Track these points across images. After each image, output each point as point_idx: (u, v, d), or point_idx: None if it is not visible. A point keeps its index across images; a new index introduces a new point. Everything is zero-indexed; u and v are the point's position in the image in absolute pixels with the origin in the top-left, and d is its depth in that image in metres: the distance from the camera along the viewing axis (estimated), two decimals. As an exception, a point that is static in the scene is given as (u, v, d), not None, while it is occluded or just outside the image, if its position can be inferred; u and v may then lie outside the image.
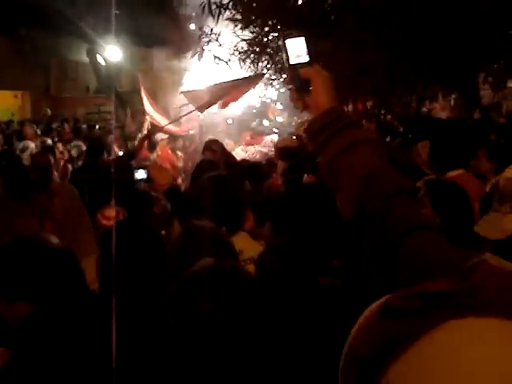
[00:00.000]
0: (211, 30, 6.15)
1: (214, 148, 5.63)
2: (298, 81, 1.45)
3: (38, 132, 13.25)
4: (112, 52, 19.71)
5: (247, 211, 3.59)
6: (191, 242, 2.39)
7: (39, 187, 5.20)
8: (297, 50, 1.45)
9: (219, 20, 5.99)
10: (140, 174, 4.29)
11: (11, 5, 17.86)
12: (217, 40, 6.18)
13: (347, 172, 1.38)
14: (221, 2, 5.89)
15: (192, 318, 1.55)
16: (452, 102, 10.48)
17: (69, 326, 1.79)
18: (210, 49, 6.05)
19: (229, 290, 1.59)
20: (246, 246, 3.13)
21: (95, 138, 8.68)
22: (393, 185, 1.34)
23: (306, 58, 1.45)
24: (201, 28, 6.21)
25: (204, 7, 5.89)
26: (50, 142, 11.93)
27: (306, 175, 4.45)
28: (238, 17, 5.93)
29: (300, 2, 5.79)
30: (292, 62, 1.45)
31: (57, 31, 20.45)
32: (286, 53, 1.45)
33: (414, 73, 5.79)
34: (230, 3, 5.81)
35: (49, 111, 19.14)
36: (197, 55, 6.28)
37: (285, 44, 1.45)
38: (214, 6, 5.87)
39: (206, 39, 6.16)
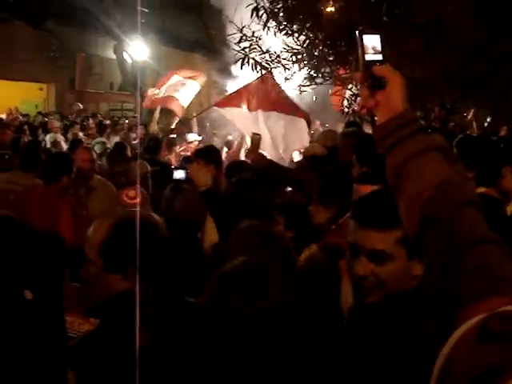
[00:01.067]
0: (253, 33, 6.04)
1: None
2: (372, 78, 1.42)
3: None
4: (138, 50, 19.78)
5: (276, 214, 3.57)
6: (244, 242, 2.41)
7: (80, 181, 5.30)
8: (372, 47, 1.44)
9: (261, 25, 5.90)
10: (179, 174, 4.28)
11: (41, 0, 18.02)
12: (257, 44, 6.06)
13: (416, 178, 1.35)
14: (270, 7, 5.79)
15: (222, 314, 1.53)
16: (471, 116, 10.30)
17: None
18: (251, 54, 5.90)
19: (258, 287, 1.55)
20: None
21: (153, 136, 8.83)
22: (463, 195, 1.32)
23: (380, 57, 1.43)
24: (241, 30, 6.08)
25: (252, 11, 5.80)
26: (81, 135, 11.96)
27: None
28: (283, 23, 5.85)
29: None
30: (368, 58, 1.43)
31: (84, 26, 20.58)
32: (362, 49, 1.44)
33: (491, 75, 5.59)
34: (281, 9, 5.71)
35: (80, 106, 19.16)
36: (236, 60, 6.14)
37: (362, 39, 1.44)
38: (261, 11, 5.78)
39: (247, 43, 6.03)
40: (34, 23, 19.83)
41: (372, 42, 1.44)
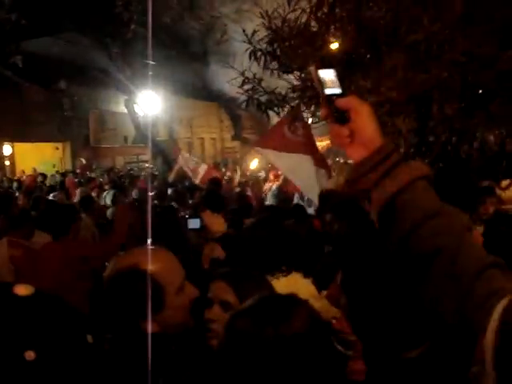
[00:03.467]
0: (254, 75, 6.12)
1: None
2: (336, 112, 1.37)
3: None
4: (149, 102, 20.05)
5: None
6: None
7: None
8: (330, 80, 1.38)
9: (261, 65, 5.98)
10: (193, 224, 4.12)
11: (49, 60, 18.42)
12: (259, 84, 6.13)
13: (408, 210, 1.30)
14: (266, 49, 5.87)
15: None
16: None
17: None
18: (255, 95, 5.98)
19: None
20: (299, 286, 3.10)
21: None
22: (461, 221, 1.29)
23: (339, 90, 1.38)
24: (243, 73, 6.17)
25: (250, 55, 5.88)
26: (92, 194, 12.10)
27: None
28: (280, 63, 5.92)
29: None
30: (327, 92, 1.38)
31: (95, 84, 20.98)
32: (320, 83, 1.39)
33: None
34: (278, 50, 5.78)
35: (83, 161, 19.50)
36: (243, 102, 6.21)
37: (317, 74, 1.39)
38: (259, 53, 5.86)
39: (249, 86, 6.11)
40: (46, 85, 20.23)
41: (328, 76, 1.39)
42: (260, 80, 6.15)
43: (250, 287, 2.06)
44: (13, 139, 21.37)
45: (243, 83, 6.14)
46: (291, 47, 5.79)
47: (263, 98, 6.14)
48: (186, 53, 21.93)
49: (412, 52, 5.22)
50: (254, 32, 6.02)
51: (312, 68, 1.42)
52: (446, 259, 1.23)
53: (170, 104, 22.13)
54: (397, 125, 5.88)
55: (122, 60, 20.09)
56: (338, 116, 1.37)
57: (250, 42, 5.97)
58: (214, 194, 6.42)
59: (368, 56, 5.49)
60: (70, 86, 21.35)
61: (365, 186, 1.37)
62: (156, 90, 19.36)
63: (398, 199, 1.32)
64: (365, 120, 1.36)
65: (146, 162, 23.11)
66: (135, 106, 21.59)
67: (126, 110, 22.64)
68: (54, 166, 21.50)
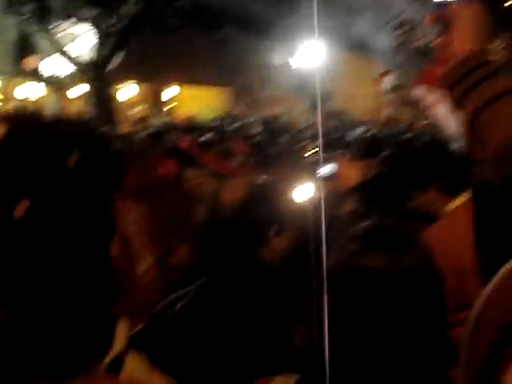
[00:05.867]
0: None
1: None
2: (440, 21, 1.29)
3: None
4: (312, 54, 19.92)
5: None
6: None
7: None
8: None
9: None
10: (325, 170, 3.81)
11: (216, 5, 18.83)
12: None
13: (498, 124, 1.17)
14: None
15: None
16: None
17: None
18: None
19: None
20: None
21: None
22: None
23: None
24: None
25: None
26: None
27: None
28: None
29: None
30: None
31: (258, 32, 21.18)
32: None
33: None
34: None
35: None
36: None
37: None
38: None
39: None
40: (211, 30, 20.78)
41: None
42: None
43: None
44: (180, 82, 22.38)
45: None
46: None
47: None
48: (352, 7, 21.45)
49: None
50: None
51: None
52: None
53: (336, 58, 21.88)
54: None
55: (287, 8, 20.06)
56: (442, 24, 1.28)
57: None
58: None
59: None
60: (235, 33, 21.74)
61: (457, 94, 1.27)
62: (320, 41, 19.15)
63: (490, 110, 1.20)
64: (465, 26, 1.25)
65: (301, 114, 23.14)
66: (298, 57, 21.59)
67: (287, 61, 22.72)
68: (212, 111, 22.20)
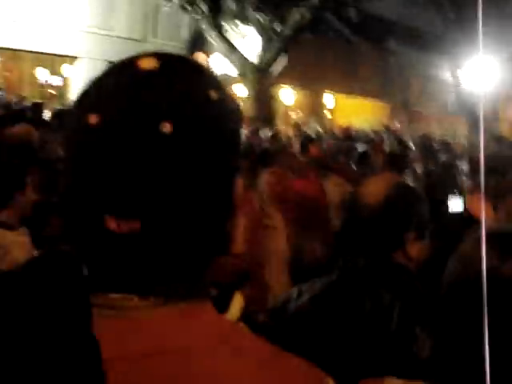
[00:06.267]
0: None
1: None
2: None
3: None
4: (476, 71, 19.23)
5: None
6: None
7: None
8: None
9: None
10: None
11: (382, 18, 18.76)
12: None
13: None
14: None
15: None
16: None
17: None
18: None
19: None
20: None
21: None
22: None
23: None
24: None
25: None
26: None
27: None
28: None
29: None
30: None
31: (422, 47, 20.81)
32: None
33: None
34: None
35: (397, 124, 19.52)
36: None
37: None
38: None
39: None
40: (376, 42, 20.74)
41: None
42: None
43: None
44: (338, 91, 22.51)
45: None
46: None
47: None
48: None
49: None
50: None
51: None
52: None
53: (502, 75, 20.92)
54: None
55: (455, 24, 19.52)
56: None
57: None
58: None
59: None
60: (399, 47, 21.53)
61: None
62: (486, 58, 18.46)
63: None
64: None
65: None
66: (460, 73, 20.92)
67: (448, 77, 22.08)
68: (368, 123, 22.05)
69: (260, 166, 5.33)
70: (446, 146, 14.28)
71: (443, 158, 10.47)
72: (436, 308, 1.48)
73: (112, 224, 0.72)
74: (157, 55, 0.77)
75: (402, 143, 13.37)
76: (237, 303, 1.06)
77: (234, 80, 16.52)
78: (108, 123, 0.72)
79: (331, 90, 22.34)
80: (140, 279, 0.74)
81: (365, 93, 22.38)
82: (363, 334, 1.73)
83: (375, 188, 1.87)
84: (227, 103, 0.79)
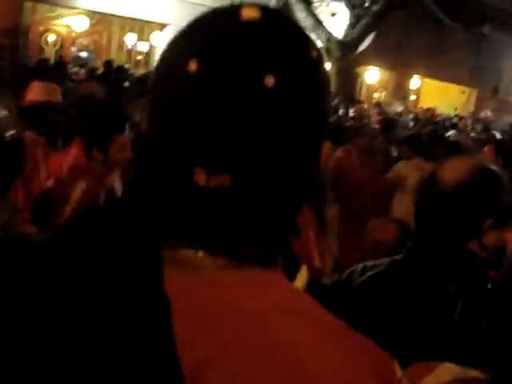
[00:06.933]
0: None
1: None
2: None
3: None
4: None
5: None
6: None
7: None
8: None
9: None
10: None
11: (476, 2, 18.09)
12: None
13: None
14: None
15: None
16: None
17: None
18: None
19: None
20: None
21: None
22: None
23: None
24: None
25: None
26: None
27: None
28: None
29: None
30: None
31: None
32: None
33: None
34: None
35: (487, 113, 18.90)
36: None
37: None
38: None
39: None
40: (468, 26, 20.03)
41: None
42: None
43: None
44: (423, 74, 21.96)
45: None
46: None
47: None
48: None
49: None
50: None
51: None
52: None
53: None
54: None
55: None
56: None
57: None
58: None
59: None
60: (492, 32, 20.73)
61: None
62: None
63: None
64: None
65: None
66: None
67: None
68: (455, 110, 21.44)
69: (333, 143, 5.30)
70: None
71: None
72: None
73: (201, 177, 0.69)
74: (258, 6, 0.74)
75: (488, 131, 13.02)
76: (303, 275, 1.04)
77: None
78: (208, 71, 0.69)
79: (417, 72, 21.81)
80: (223, 238, 0.72)
81: (452, 78, 21.74)
82: (422, 318, 1.67)
83: (457, 169, 1.75)
84: (323, 65, 0.77)
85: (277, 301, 0.71)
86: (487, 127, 14.48)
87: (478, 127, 14.73)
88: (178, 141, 0.70)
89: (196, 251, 0.71)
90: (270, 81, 0.68)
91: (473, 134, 11.46)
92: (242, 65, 0.68)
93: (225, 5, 0.75)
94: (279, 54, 0.70)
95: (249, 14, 0.72)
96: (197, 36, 0.73)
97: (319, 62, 0.75)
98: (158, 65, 0.77)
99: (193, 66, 0.69)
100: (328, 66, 16.14)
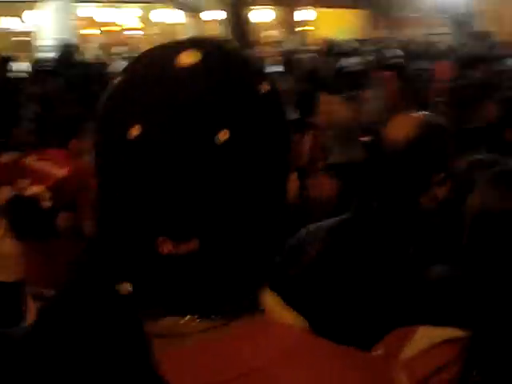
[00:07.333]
0: None
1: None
2: None
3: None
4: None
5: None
6: None
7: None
8: None
9: None
10: None
11: None
12: None
13: None
14: None
15: None
16: None
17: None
18: None
19: None
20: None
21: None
22: None
23: None
24: None
25: None
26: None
27: None
28: None
29: None
30: None
31: None
32: None
33: None
34: None
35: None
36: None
37: None
38: None
39: None
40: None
41: None
42: None
43: None
44: (315, 4, 21.99)
45: None
46: None
47: None
48: None
49: None
50: None
51: None
52: None
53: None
54: None
55: None
56: None
57: None
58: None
59: None
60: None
61: None
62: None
63: None
64: None
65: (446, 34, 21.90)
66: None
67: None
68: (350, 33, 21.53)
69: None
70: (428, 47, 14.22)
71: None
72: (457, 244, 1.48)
73: (167, 247, 0.65)
74: (198, 46, 0.67)
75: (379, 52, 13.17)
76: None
77: (206, 5, 16.13)
78: (153, 135, 0.63)
79: (308, 4, 21.81)
80: (200, 300, 0.67)
81: (343, 3, 21.84)
82: (385, 278, 1.67)
83: (404, 124, 1.77)
84: (276, 92, 0.71)
85: (271, 348, 0.68)
86: (378, 49, 14.57)
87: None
88: (134, 212, 0.65)
89: (178, 318, 0.68)
90: (223, 136, 0.62)
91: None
92: (191, 123, 0.62)
93: (160, 46, 0.70)
94: (229, 104, 0.63)
95: (186, 60, 0.65)
96: (133, 94, 0.66)
97: (270, 93, 0.68)
98: (97, 129, 0.69)
99: (136, 131, 0.63)
100: (222, 15, 15.92)
